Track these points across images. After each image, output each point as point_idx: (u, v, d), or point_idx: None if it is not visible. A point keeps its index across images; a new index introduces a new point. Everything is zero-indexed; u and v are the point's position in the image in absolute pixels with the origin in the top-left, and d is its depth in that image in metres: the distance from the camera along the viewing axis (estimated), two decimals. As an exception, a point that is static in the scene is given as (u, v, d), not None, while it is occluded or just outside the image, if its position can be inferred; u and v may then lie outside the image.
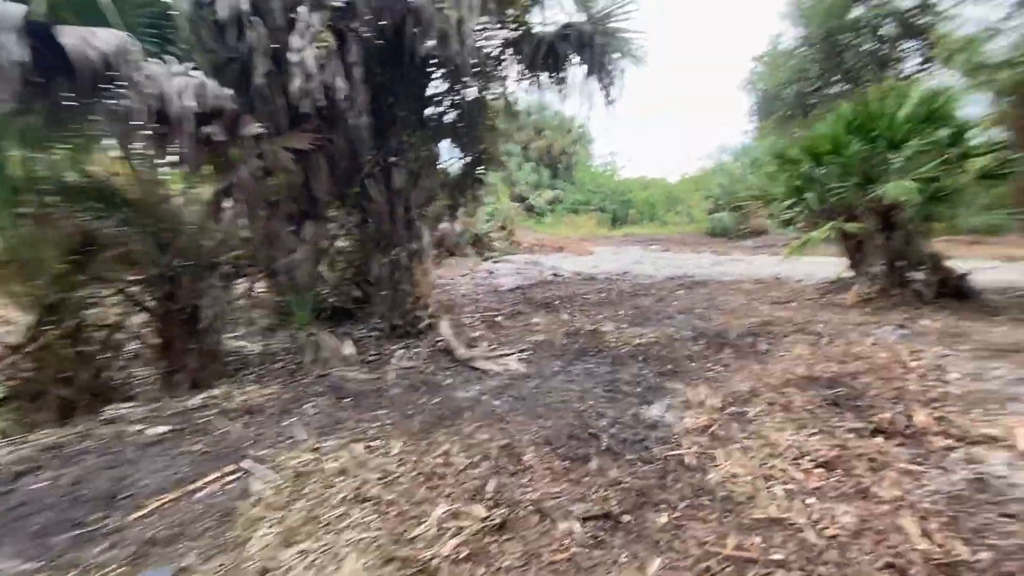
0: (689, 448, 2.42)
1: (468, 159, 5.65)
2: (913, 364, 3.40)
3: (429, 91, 4.63)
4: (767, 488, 2.10)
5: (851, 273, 6.04)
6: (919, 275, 5.60)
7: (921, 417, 2.62)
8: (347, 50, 2.98)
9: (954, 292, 5.44)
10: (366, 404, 3.00)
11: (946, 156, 4.92)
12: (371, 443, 2.54)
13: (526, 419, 2.75)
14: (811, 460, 2.31)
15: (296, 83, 2.77)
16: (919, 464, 2.27)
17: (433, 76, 4.23)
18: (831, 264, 6.51)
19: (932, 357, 3.55)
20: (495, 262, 11.27)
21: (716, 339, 4.22)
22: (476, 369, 3.59)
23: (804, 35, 13.86)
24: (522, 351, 3.98)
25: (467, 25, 2.85)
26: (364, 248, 4.57)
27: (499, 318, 5.40)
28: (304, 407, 3.02)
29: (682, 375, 3.42)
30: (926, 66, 12.19)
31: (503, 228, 14.44)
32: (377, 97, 3.49)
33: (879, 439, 2.47)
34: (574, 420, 2.72)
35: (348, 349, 3.58)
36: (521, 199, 27.71)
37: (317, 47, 2.72)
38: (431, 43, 2.94)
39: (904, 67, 12.90)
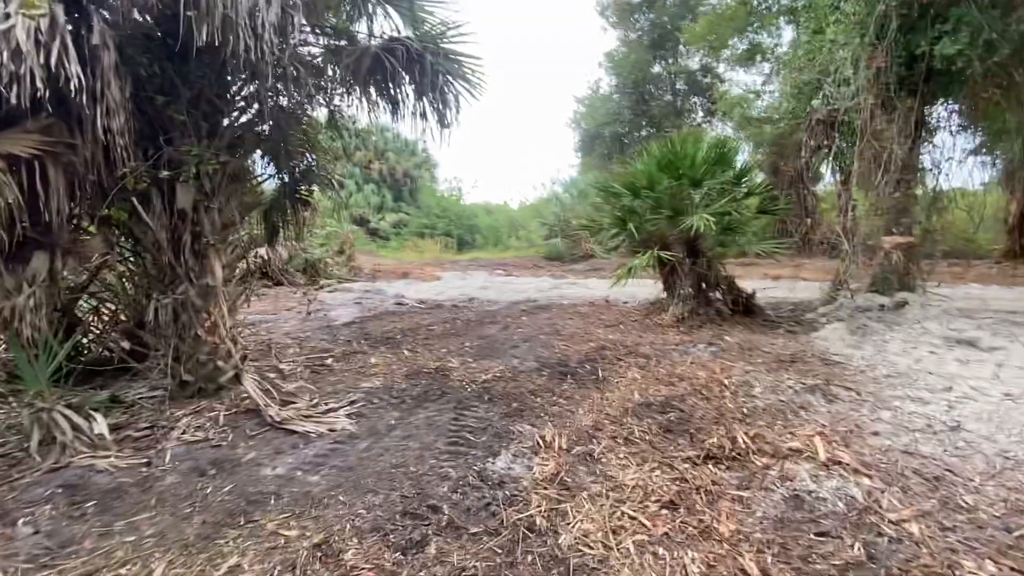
0: (539, 507, 2.18)
1: (284, 177, 4.92)
2: (727, 381, 3.73)
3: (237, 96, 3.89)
4: (618, 545, 1.94)
5: (665, 295, 6.72)
6: (719, 295, 6.44)
7: (741, 437, 2.79)
8: (87, 28, 2.22)
9: (744, 309, 6.35)
10: (120, 507, 2.18)
11: (733, 194, 5.75)
12: (119, 570, 1.79)
13: (350, 498, 2.24)
14: (656, 500, 2.25)
15: (-5, 62, 1.94)
16: (746, 489, 2.35)
17: (239, 77, 3.53)
18: (648, 287, 7.16)
19: (740, 373, 3.95)
20: (331, 291, 10.25)
21: (558, 369, 4.19)
22: (292, 433, 2.94)
23: (617, 83, 15.76)
24: (352, 403, 3.43)
25: (264, 16, 2.34)
26: (138, 284, 3.56)
27: (329, 360, 4.71)
28: (18, 522, 2.07)
29: (528, 414, 3.24)
30: (709, 119, 14.79)
31: (341, 253, 13.36)
32: (142, 95, 2.71)
33: (711, 466, 2.54)
34: (410, 490, 2.30)
35: (99, 427, 2.63)
36: (363, 222, 26.40)
37: (26, 15, 1.93)
38: (218, 34, 2.33)
39: (695, 118, 15.49)
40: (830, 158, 6.56)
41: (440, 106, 3.94)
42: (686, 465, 2.56)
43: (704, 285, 6.33)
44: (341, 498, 2.24)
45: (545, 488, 2.34)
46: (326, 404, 3.40)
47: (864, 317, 5.78)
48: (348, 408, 3.31)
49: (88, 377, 3.74)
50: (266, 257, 9.37)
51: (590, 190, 11.62)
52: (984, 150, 9.70)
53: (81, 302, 4.26)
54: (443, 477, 2.41)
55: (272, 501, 2.23)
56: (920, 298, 5.96)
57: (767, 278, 10.75)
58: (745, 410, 3.28)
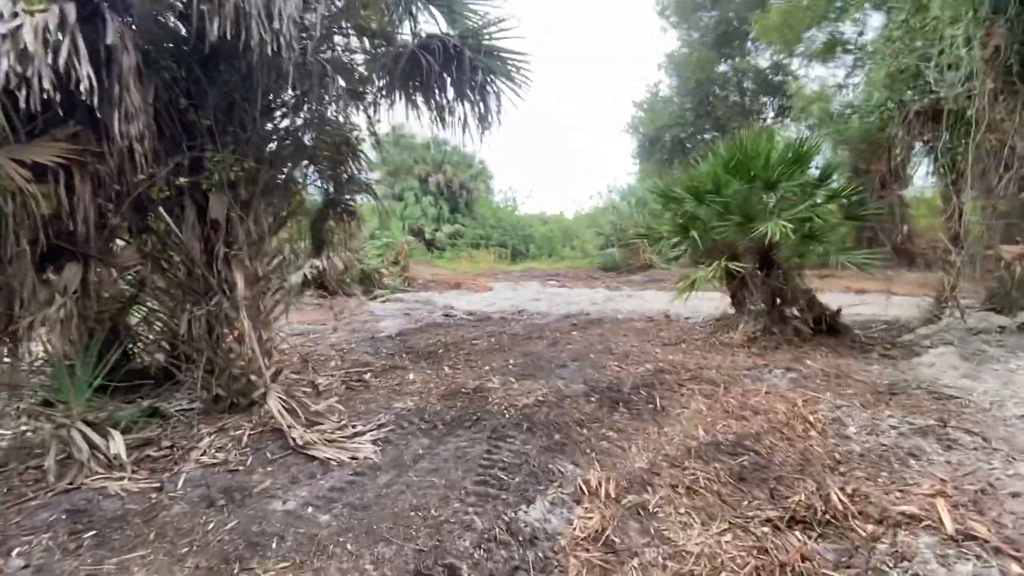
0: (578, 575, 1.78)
1: (328, 187, 4.84)
2: (811, 418, 3.14)
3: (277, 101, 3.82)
4: (679, 643, 1.51)
5: (733, 311, 6.06)
6: (796, 311, 5.71)
7: (836, 494, 2.25)
8: (101, 26, 2.12)
9: (828, 328, 5.59)
10: (117, 540, 2.00)
11: (813, 198, 5.06)
12: (95, 622, 1.58)
13: (359, 547, 1.95)
14: (728, 577, 1.78)
15: (2, 65, 1.85)
16: (847, 567, 1.83)
17: (269, 81, 3.42)
18: (714, 300, 6.51)
19: (827, 408, 3.34)
20: (383, 301, 10.28)
21: (609, 394, 3.75)
22: (313, 459, 2.71)
23: (679, 85, 15.02)
24: (381, 426, 3.17)
25: (281, 7, 2.15)
26: (173, 295, 3.51)
27: (368, 375, 4.53)
28: (12, 552, 1.94)
29: (572, 449, 2.83)
30: (780, 119, 13.72)
31: (396, 263, 13.49)
32: (169, 100, 2.61)
33: (798, 533, 2.03)
34: (427, 540, 1.97)
35: (116, 446, 2.51)
36: (420, 233, 26.91)
37: (26, 9, 1.83)
38: (231, 27, 2.17)
39: (765, 118, 14.45)
40: (931, 156, 5.69)
41: (481, 106, 3.66)
42: (765, 529, 2.06)
43: (779, 300, 5.63)
44: (349, 547, 1.95)
45: (587, 550, 1.93)
46: (353, 426, 3.16)
47: (979, 341, 4.89)
48: (375, 432, 3.05)
49: (135, 388, 3.74)
50: (322, 268, 9.51)
51: (648, 197, 11.01)
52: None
53: (133, 311, 4.34)
54: (466, 527, 2.06)
55: (274, 545, 1.97)
56: (1052, 319, 4.98)
57: (850, 292, 9.65)
58: (838, 455, 2.71)
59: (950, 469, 2.58)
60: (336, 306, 8.86)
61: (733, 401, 3.52)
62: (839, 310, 5.60)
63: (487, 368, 4.66)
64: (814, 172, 5.28)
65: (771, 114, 14.58)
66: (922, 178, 9.64)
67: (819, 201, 5.05)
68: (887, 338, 5.45)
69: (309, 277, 9.64)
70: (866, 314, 7.13)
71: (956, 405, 3.45)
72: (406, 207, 26.65)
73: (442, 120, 4.09)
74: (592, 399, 3.67)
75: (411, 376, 4.41)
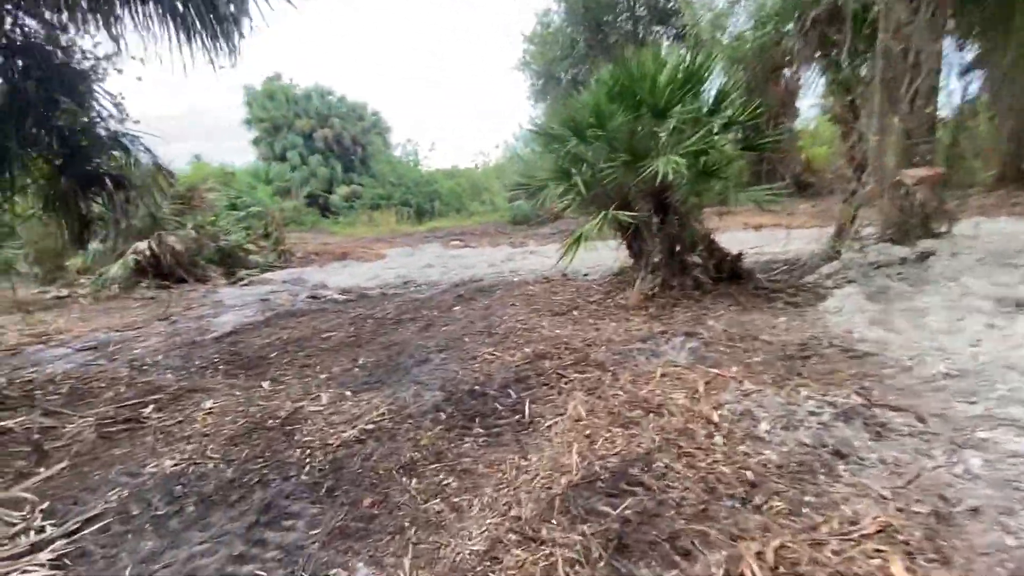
0: None
1: (57, 144, 3.35)
2: (716, 415, 2.39)
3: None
4: None
5: (632, 263, 5.36)
6: (697, 259, 5.09)
7: (753, 562, 1.47)
8: None
9: (730, 275, 5.03)
10: None
11: (708, 127, 4.29)
12: None
13: None
14: None
15: None
16: None
17: None
18: (617, 250, 5.77)
19: (734, 393, 2.62)
20: (244, 285, 8.65)
21: (469, 403, 2.82)
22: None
23: (567, 13, 13.85)
24: (92, 520, 2.01)
25: None
26: None
27: (149, 407, 3.26)
28: None
29: (381, 528, 1.87)
30: (676, 44, 13.12)
31: (267, 236, 11.62)
32: None
33: None
34: None
35: None
36: (313, 198, 24.26)
37: None
38: None
39: (660, 48, 13.78)
40: (828, 73, 5.13)
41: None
42: None
43: (678, 248, 4.96)
44: None
45: None
46: (41, 529, 1.97)
47: (882, 276, 4.51)
48: (67, 541, 1.89)
49: None
50: (151, 252, 7.68)
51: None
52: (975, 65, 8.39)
53: None
54: None
55: None
56: (948, 245, 4.70)
57: (748, 228, 9.45)
58: (750, 474, 1.97)
59: (888, 476, 1.92)
60: (171, 300, 7.18)
61: (622, 394, 2.72)
62: (740, 254, 5.04)
63: (324, 377, 3.56)
64: (708, 99, 4.50)
65: (666, 43, 13.94)
66: (806, 110, 9.46)
67: (715, 131, 4.29)
68: (790, 281, 4.98)
69: (136, 265, 7.80)
70: (767, 253, 6.77)
71: (875, 366, 2.89)
72: (292, 168, 23.82)
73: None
74: (444, 414, 2.72)
75: (207, 404, 3.20)
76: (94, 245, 7.64)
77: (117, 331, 5.52)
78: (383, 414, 2.77)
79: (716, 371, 2.91)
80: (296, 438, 2.60)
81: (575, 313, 4.57)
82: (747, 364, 3.03)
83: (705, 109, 4.37)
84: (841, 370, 2.86)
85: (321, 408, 2.97)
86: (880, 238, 5.07)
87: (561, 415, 2.57)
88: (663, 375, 2.92)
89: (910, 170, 4.41)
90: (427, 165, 28.04)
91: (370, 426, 2.64)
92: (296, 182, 23.85)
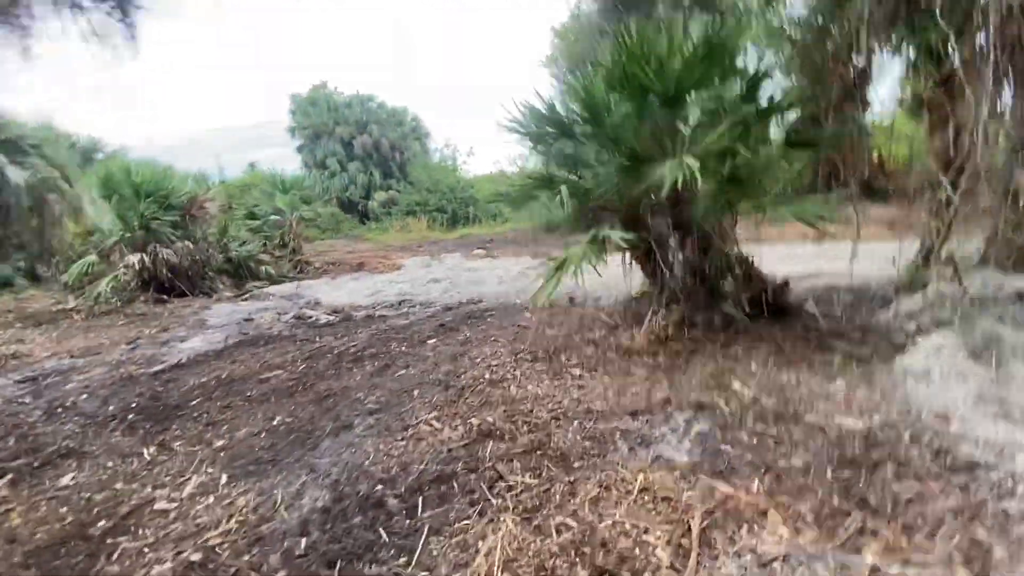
0: None
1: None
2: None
3: None
4: None
5: (650, 287, 4.32)
6: (726, 288, 4.00)
7: None
8: None
9: (772, 308, 3.91)
10: None
11: (742, 117, 3.22)
12: None
13: None
14: None
15: None
16: None
17: None
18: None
19: (748, 545, 1.60)
20: (245, 299, 8.23)
21: (349, 522, 1.96)
22: None
23: (601, 5, 12.75)
24: None
25: None
26: None
27: (2, 480, 2.62)
28: None
29: None
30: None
31: (284, 245, 11.30)
32: None
33: None
34: None
35: None
36: (351, 204, 24.32)
37: None
38: None
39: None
40: (910, 46, 3.91)
41: None
42: None
43: (702, 275, 3.89)
44: None
45: None
46: None
47: (990, 319, 3.26)
48: None
49: None
50: (140, 265, 7.35)
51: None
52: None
53: None
54: None
55: None
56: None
57: (803, 239, 8.00)
58: None
59: None
60: (159, 317, 6.79)
61: (572, 526, 1.77)
62: (786, 283, 3.90)
63: (219, 444, 2.81)
64: (741, 77, 3.41)
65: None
66: (880, 101, 7.91)
67: (750, 121, 3.21)
68: (855, 320, 3.78)
69: (135, 279, 7.50)
70: (824, 274, 5.49)
71: (997, 496, 1.77)
72: (332, 176, 23.97)
73: None
74: (305, 541, 1.87)
75: (66, 479, 2.51)
76: (90, 257, 7.43)
77: (74, 357, 5.07)
78: (230, 531, 1.95)
79: (727, 488, 1.89)
80: (97, 567, 1.83)
81: (563, 358, 3.61)
82: (780, 474, 1.99)
83: (735, 93, 3.30)
84: (934, 499, 1.77)
85: (173, 507, 2.19)
86: (983, 263, 3.78)
87: (464, 566, 1.65)
88: (643, 489, 1.93)
89: (1034, 172, 3.15)
90: (467, 170, 27.54)
91: (197, 556, 1.83)
92: (337, 188, 24.02)
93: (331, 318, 6.19)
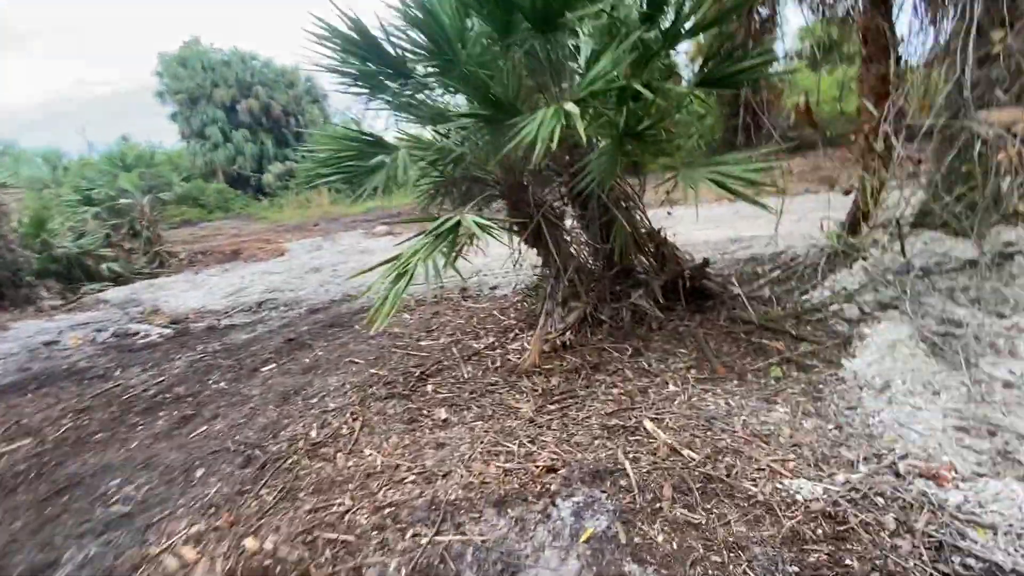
0: None
1: None
2: None
3: None
4: None
5: (542, 277, 3.44)
6: (638, 271, 3.21)
7: None
8: None
9: (690, 294, 3.16)
10: None
11: (639, 43, 2.29)
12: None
13: None
14: None
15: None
16: None
17: None
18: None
19: None
20: (68, 310, 6.53)
21: None
22: None
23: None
24: None
25: None
26: None
27: None
28: None
29: None
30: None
31: (135, 235, 9.36)
32: None
33: None
34: None
35: None
36: (241, 179, 21.55)
37: None
38: None
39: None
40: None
41: None
42: None
43: (606, 259, 3.06)
44: None
45: None
46: None
47: (942, 295, 2.68)
48: None
49: None
50: None
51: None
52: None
53: None
54: None
55: None
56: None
57: (718, 201, 7.50)
58: None
59: None
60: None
61: None
62: (706, 262, 3.15)
63: None
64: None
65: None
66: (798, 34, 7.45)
67: (656, 48, 2.30)
68: (787, 303, 3.12)
69: None
70: (745, 240, 4.91)
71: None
72: (214, 146, 20.98)
73: None
74: None
75: None
76: None
77: None
78: None
79: None
80: None
81: (429, 387, 2.65)
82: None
83: (632, 13, 2.37)
84: None
85: None
86: (920, 224, 3.23)
87: None
88: None
89: (991, 111, 2.54)
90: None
91: None
92: (223, 161, 21.14)
93: (162, 333, 4.84)
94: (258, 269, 7.94)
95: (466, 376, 2.74)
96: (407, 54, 2.33)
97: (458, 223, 2.20)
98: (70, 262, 7.96)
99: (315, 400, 2.73)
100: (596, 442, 1.97)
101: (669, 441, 1.89)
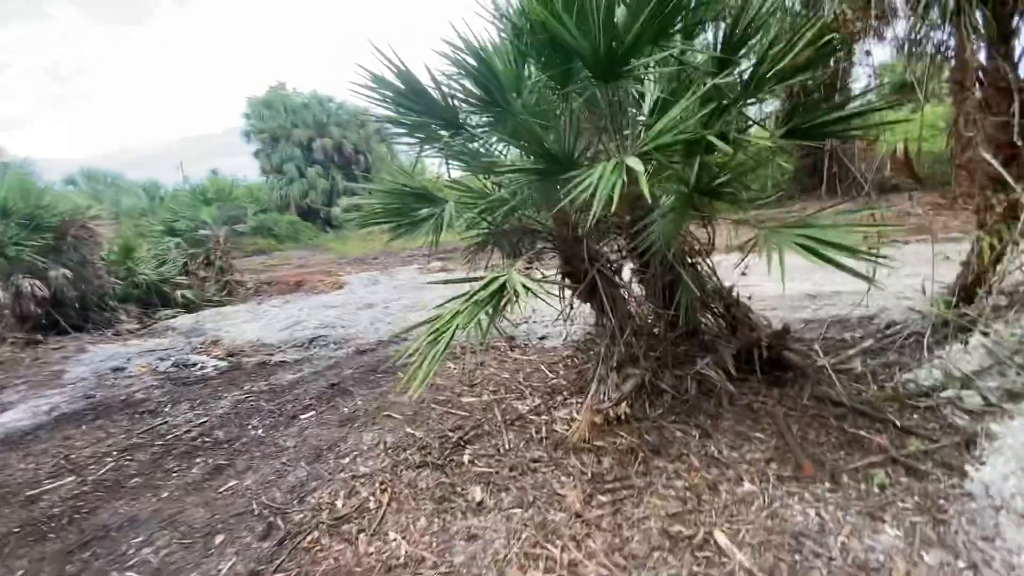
0: None
1: None
2: None
3: None
4: None
5: (598, 335, 3.16)
6: (707, 330, 2.88)
7: None
8: None
9: (766, 365, 2.78)
10: None
11: (719, 90, 2.06)
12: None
13: None
14: None
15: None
16: None
17: None
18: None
19: None
20: (141, 335, 6.91)
21: None
22: None
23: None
24: None
25: None
26: None
27: None
28: None
29: None
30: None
31: (209, 264, 9.94)
32: None
33: None
34: None
35: None
36: (311, 212, 22.86)
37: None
38: None
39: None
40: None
41: None
42: None
43: (669, 321, 2.75)
44: None
45: None
46: None
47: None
48: None
49: None
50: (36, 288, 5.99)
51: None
52: None
53: None
54: None
55: None
56: None
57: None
58: None
59: None
60: (16, 365, 5.45)
61: None
62: (786, 330, 2.77)
63: None
64: (715, 40, 2.26)
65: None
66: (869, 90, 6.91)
67: (727, 102, 2.06)
68: (884, 378, 2.67)
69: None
70: (825, 296, 4.41)
71: None
72: (290, 181, 22.47)
73: None
74: None
75: None
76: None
77: None
78: None
79: None
80: None
81: (466, 458, 2.42)
82: None
83: (704, 58, 2.15)
84: None
85: None
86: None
87: None
88: None
89: None
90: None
91: None
92: (296, 195, 22.56)
93: (217, 366, 4.94)
94: (317, 302, 8.14)
95: (507, 446, 2.49)
96: (459, 103, 2.22)
97: (503, 284, 2.01)
98: (149, 289, 8.52)
99: (346, 460, 2.57)
100: (655, 554, 1.65)
101: (748, 565, 1.55)
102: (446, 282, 2.33)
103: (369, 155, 24.33)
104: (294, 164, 22.74)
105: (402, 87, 2.12)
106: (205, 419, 3.44)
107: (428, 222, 2.56)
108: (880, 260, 1.79)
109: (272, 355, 5.12)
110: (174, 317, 7.94)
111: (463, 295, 2.06)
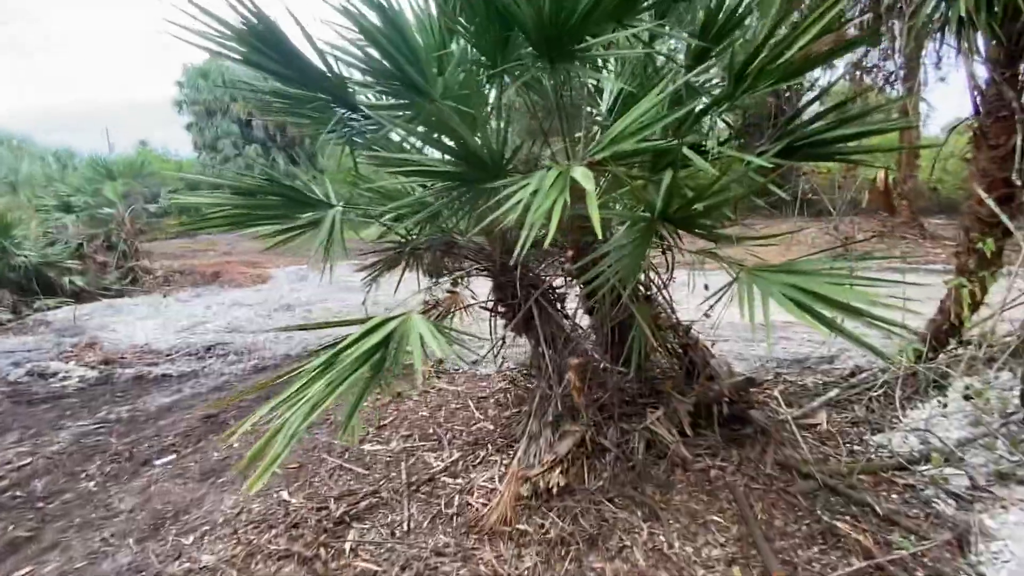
0: None
1: None
2: None
3: None
4: None
5: (529, 378, 2.65)
6: (657, 383, 2.44)
7: None
8: None
9: (726, 421, 2.36)
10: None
11: (695, 90, 1.59)
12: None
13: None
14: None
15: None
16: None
17: None
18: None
19: None
20: (5, 332, 5.80)
21: None
22: None
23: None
24: None
25: None
26: None
27: None
28: None
29: None
30: None
31: (110, 247, 8.72)
32: None
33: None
34: None
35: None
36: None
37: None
38: None
39: None
40: None
41: None
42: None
43: (618, 360, 2.28)
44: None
45: None
46: None
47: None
48: None
49: None
50: None
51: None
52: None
53: None
54: None
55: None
56: None
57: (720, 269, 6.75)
58: None
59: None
60: None
61: None
62: (750, 382, 2.36)
63: None
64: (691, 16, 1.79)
65: None
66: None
67: (699, 106, 1.59)
68: (852, 439, 2.31)
69: None
70: (778, 329, 4.12)
71: None
72: (225, 160, 20.73)
73: None
74: None
75: None
76: None
77: None
78: None
79: None
80: None
81: (345, 548, 1.84)
82: None
83: (680, 46, 1.67)
84: None
85: None
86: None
87: None
88: None
89: None
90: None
91: None
92: (231, 175, 20.87)
93: (84, 376, 4.09)
94: (230, 298, 7.22)
95: (407, 526, 1.93)
96: (352, 74, 1.63)
97: (395, 332, 1.45)
98: (28, 272, 7.29)
99: (190, 540, 1.93)
100: None
101: None
102: (301, 327, 1.75)
103: (317, 140, 22.85)
104: (230, 141, 21.02)
105: (259, 44, 1.51)
106: (29, 460, 2.67)
107: (307, 230, 1.96)
108: (896, 330, 1.36)
109: (156, 365, 4.31)
110: (56, 308, 6.81)
111: (341, 344, 1.48)
